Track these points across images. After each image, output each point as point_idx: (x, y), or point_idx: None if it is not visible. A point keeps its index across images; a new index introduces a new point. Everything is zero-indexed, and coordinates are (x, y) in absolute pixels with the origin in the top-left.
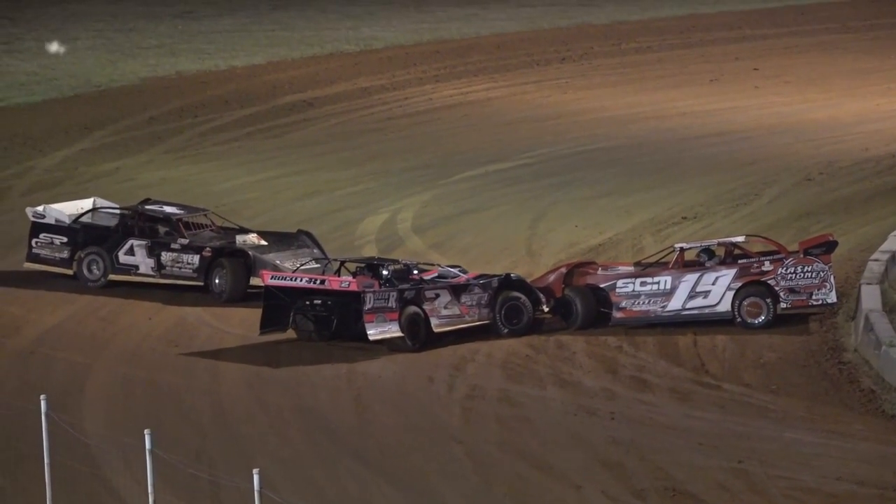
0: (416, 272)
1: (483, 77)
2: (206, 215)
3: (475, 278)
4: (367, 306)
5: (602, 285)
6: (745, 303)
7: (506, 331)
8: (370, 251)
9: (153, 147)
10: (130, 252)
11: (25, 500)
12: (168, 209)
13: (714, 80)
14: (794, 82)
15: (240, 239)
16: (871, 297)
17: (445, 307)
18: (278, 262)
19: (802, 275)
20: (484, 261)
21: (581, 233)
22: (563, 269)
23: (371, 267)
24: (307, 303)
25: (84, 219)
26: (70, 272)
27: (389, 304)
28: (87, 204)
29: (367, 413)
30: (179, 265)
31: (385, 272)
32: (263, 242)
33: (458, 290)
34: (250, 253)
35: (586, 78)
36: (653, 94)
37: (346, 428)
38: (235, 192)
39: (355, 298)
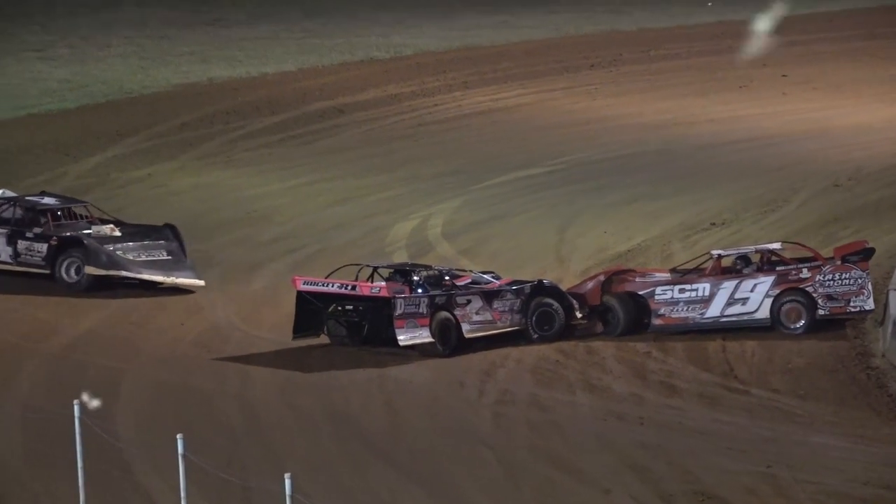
0: (448, 278)
1: (513, 84)
2: (85, 207)
3: (508, 284)
4: (398, 312)
5: (641, 292)
6: (783, 309)
7: (536, 336)
8: (400, 257)
9: (184, 153)
10: None
11: None
12: (46, 200)
13: (743, 86)
14: (823, 89)
15: (95, 229)
16: None
17: (477, 313)
18: (120, 252)
19: (840, 282)
20: (513, 266)
21: (610, 239)
22: (602, 277)
23: (402, 273)
24: (339, 308)
25: None
26: None
27: (420, 310)
28: None
29: (398, 418)
30: (31, 253)
31: (416, 278)
32: (117, 233)
33: (490, 296)
34: (85, 241)
35: (615, 84)
36: (681, 101)
37: (377, 432)
38: (266, 199)
39: (386, 304)
